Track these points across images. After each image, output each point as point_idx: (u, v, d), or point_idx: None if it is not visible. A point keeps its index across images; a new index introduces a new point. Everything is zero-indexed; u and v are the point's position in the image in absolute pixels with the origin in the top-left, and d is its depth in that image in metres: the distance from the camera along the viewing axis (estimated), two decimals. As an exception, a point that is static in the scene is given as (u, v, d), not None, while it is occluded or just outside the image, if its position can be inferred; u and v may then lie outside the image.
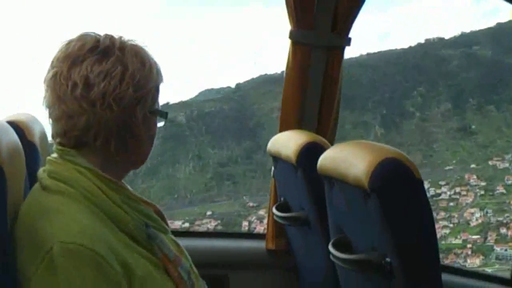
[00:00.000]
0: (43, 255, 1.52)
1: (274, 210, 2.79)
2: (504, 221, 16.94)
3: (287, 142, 2.62)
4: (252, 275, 3.17)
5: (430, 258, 1.84)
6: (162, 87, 1.84)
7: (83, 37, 1.74)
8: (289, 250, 3.06)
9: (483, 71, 19.61)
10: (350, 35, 2.96)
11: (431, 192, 16.39)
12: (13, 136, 1.65)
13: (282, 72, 3.01)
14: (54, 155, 1.75)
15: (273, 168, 2.89)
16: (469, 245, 16.46)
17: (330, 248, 2.10)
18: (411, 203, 1.83)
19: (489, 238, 16.63)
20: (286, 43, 2.98)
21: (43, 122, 2.29)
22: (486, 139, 19.08)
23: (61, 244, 1.52)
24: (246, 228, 16.37)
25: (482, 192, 17.86)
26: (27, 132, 2.07)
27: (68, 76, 1.68)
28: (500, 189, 17.70)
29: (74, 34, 1.77)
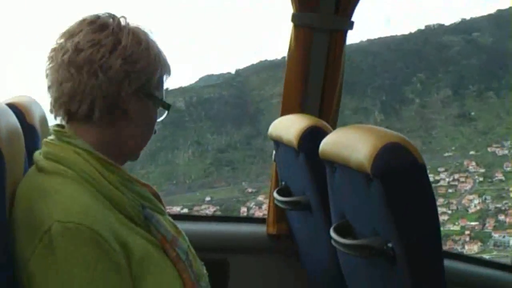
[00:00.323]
0: (41, 235, 1.51)
1: (275, 194, 2.76)
2: (503, 208, 17.02)
3: (288, 126, 2.60)
4: (252, 259, 3.15)
5: (432, 244, 1.82)
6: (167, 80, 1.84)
7: (87, 15, 1.75)
8: (290, 235, 3.04)
9: (483, 58, 19.64)
10: (353, 19, 2.93)
11: (430, 178, 16.42)
12: (13, 118, 1.63)
13: (283, 57, 2.99)
14: (51, 137, 1.74)
15: (274, 152, 2.87)
16: (467, 232, 16.54)
17: (332, 233, 2.08)
18: (413, 188, 1.81)
19: (487, 224, 16.71)
20: (288, 28, 2.97)
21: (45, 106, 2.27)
22: (485, 126, 19.13)
23: (59, 223, 1.50)
24: (245, 214, 16.41)
25: (481, 179, 17.93)
26: (27, 115, 2.05)
27: (63, 46, 1.69)
28: (499, 175, 17.76)
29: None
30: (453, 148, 18.88)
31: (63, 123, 1.74)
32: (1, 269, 1.49)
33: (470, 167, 18.21)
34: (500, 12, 19.85)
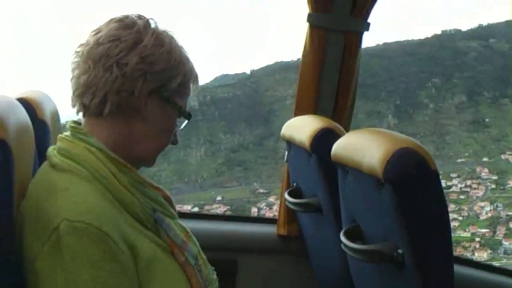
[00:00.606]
0: (49, 233, 1.50)
1: (286, 195, 2.74)
2: (514, 216, 16.93)
3: (301, 127, 2.58)
4: (262, 260, 3.13)
5: (443, 252, 1.80)
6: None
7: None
8: (300, 237, 3.02)
9: (499, 64, 19.54)
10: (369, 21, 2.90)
11: (442, 184, 16.36)
12: (23, 113, 1.62)
13: (298, 59, 2.96)
14: (67, 133, 1.74)
15: (286, 152, 2.85)
16: (477, 239, 16.47)
17: (342, 237, 2.06)
18: (425, 195, 1.79)
19: (498, 232, 16.62)
20: (304, 29, 2.95)
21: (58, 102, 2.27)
22: (499, 133, 19.03)
23: (68, 222, 1.50)
24: (255, 214, 16.39)
25: (493, 186, 17.84)
26: (38, 110, 2.03)
27: (88, 41, 1.71)
28: (511, 183, 17.66)
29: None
30: (466, 154, 18.80)
31: (81, 118, 1.75)
32: (6, 269, 1.48)
33: (483, 174, 18.13)
34: (517, 19, 19.75)
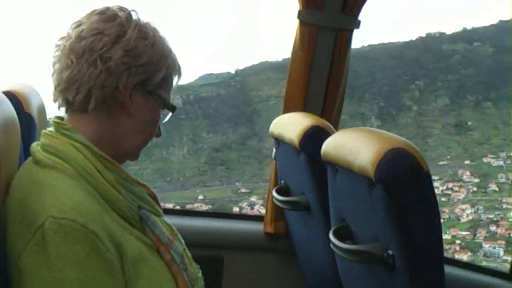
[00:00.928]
0: (34, 231, 1.48)
1: (274, 193, 2.74)
2: (495, 219, 17.00)
3: (291, 125, 2.57)
4: (248, 258, 3.13)
5: (434, 254, 1.79)
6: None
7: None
8: (288, 235, 3.02)
9: (483, 68, 19.64)
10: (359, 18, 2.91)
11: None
12: (9, 107, 1.60)
13: (283, 59, 2.97)
14: (50, 128, 1.72)
15: (274, 149, 2.84)
16: (458, 241, 16.52)
17: (331, 237, 2.05)
18: (417, 196, 1.78)
19: (478, 235, 16.69)
20: (292, 27, 2.94)
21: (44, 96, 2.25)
22: (482, 136, 19.13)
23: (53, 219, 1.48)
24: (238, 214, 16.38)
25: (475, 189, 17.92)
26: (25, 103, 2.02)
27: (69, 34, 1.69)
28: (493, 186, 17.76)
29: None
30: (448, 157, 18.88)
31: (64, 113, 1.73)
32: None
33: (465, 177, 18.20)
34: (502, 23, 19.87)
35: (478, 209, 17.29)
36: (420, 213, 1.78)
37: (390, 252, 1.82)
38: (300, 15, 2.89)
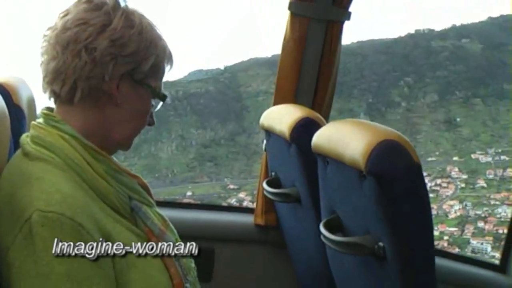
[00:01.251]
0: (22, 224, 1.48)
1: (264, 185, 2.74)
2: (483, 215, 17.05)
3: (281, 116, 2.57)
4: (239, 249, 3.15)
5: (425, 246, 1.79)
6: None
7: None
8: (278, 227, 3.03)
9: (472, 65, 19.70)
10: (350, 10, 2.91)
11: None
12: None
13: (273, 56, 2.97)
14: (40, 120, 1.71)
15: (264, 141, 2.84)
16: (445, 237, 16.57)
17: (321, 229, 2.05)
18: (408, 188, 1.78)
19: (466, 231, 16.73)
20: (282, 21, 2.93)
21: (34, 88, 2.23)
22: (470, 132, 19.19)
23: (40, 212, 1.48)
24: (226, 210, 16.38)
25: (463, 185, 17.97)
26: (14, 95, 2.01)
27: (56, 24, 1.68)
28: (481, 182, 17.81)
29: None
30: (437, 153, 18.93)
31: (53, 105, 1.72)
32: None
33: (453, 173, 18.25)
34: (491, 19, 19.93)
35: (466, 205, 17.33)
36: (411, 205, 1.78)
37: (381, 244, 1.82)
38: (291, 6, 2.89)
